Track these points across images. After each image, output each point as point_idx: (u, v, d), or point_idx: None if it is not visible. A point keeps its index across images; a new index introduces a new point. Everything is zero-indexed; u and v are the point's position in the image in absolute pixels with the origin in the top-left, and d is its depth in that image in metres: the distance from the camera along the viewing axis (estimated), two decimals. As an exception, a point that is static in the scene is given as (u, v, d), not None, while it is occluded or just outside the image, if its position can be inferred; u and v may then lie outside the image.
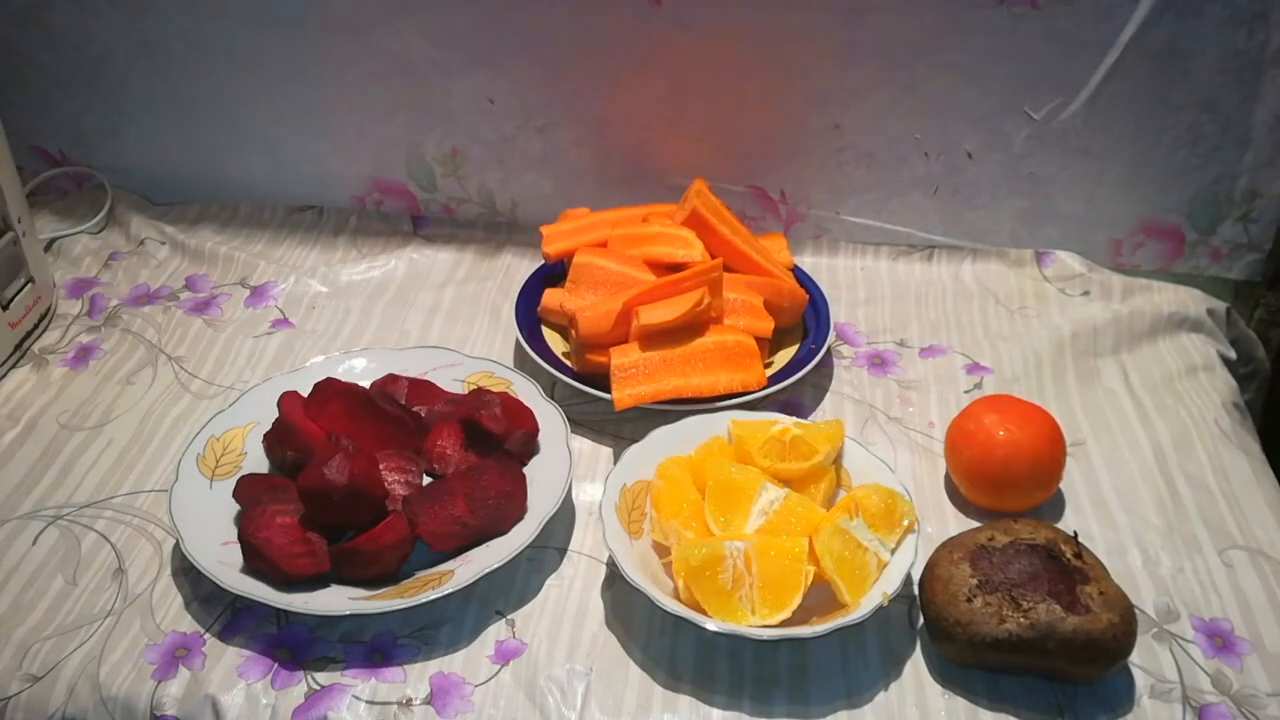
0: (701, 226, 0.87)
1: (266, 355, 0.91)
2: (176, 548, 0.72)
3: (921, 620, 0.67)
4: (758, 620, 0.63)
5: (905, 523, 0.67)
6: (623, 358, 0.79)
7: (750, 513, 0.67)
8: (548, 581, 0.71)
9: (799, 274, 0.93)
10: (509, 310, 0.92)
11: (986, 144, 0.96)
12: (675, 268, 0.85)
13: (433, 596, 0.65)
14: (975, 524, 0.75)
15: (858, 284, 0.99)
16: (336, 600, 0.66)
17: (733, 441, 0.74)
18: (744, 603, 0.63)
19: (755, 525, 0.67)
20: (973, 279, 1.00)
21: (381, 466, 0.72)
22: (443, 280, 1.00)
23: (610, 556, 0.70)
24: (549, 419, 0.77)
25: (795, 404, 0.85)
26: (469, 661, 0.66)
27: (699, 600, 0.64)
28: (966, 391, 0.87)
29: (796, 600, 0.63)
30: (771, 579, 0.63)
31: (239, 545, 0.69)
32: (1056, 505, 0.77)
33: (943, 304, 0.97)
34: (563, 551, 0.73)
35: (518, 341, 0.87)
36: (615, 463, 0.79)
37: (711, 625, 0.62)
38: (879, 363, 0.90)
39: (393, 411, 0.76)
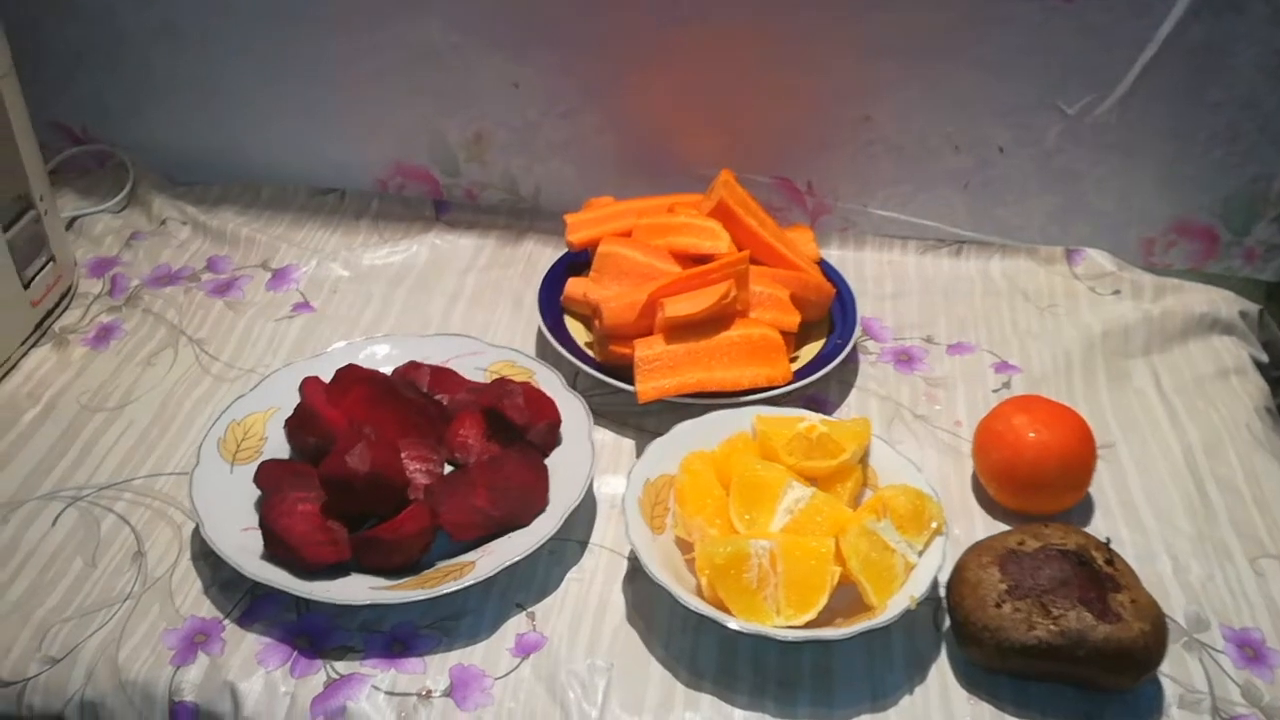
0: (728, 218, 0.85)
1: (288, 339, 0.90)
2: (196, 532, 0.71)
3: (948, 623, 0.66)
4: (782, 620, 0.62)
5: (933, 525, 0.66)
6: (647, 350, 0.78)
7: (775, 510, 0.66)
8: (568, 575, 0.71)
9: (825, 267, 0.92)
10: (531, 298, 0.91)
11: (1018, 139, 0.95)
12: (701, 259, 0.84)
13: (454, 588, 0.64)
14: (1002, 526, 0.74)
15: (885, 278, 0.98)
16: (357, 589, 0.65)
17: (757, 438, 0.73)
18: (769, 602, 0.62)
19: (780, 524, 0.66)
20: (1002, 276, 0.98)
21: (403, 455, 0.71)
22: (465, 266, 0.99)
23: (632, 551, 0.69)
24: (571, 410, 0.76)
25: (820, 399, 0.84)
26: (489, 654, 0.66)
27: (723, 599, 0.63)
28: (995, 390, 0.86)
29: (822, 601, 0.62)
30: (797, 579, 0.62)
31: (259, 531, 0.68)
32: (1085, 508, 0.76)
33: (971, 300, 0.96)
34: (584, 544, 0.73)
35: (540, 330, 0.86)
36: (637, 455, 0.79)
37: (735, 625, 0.61)
38: (905, 359, 0.89)
39: (414, 399, 0.75)
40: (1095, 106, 0.91)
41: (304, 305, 0.94)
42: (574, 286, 0.87)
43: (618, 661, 0.65)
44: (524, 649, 0.66)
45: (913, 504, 0.66)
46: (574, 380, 0.82)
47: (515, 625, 0.67)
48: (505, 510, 0.69)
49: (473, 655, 0.65)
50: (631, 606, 0.69)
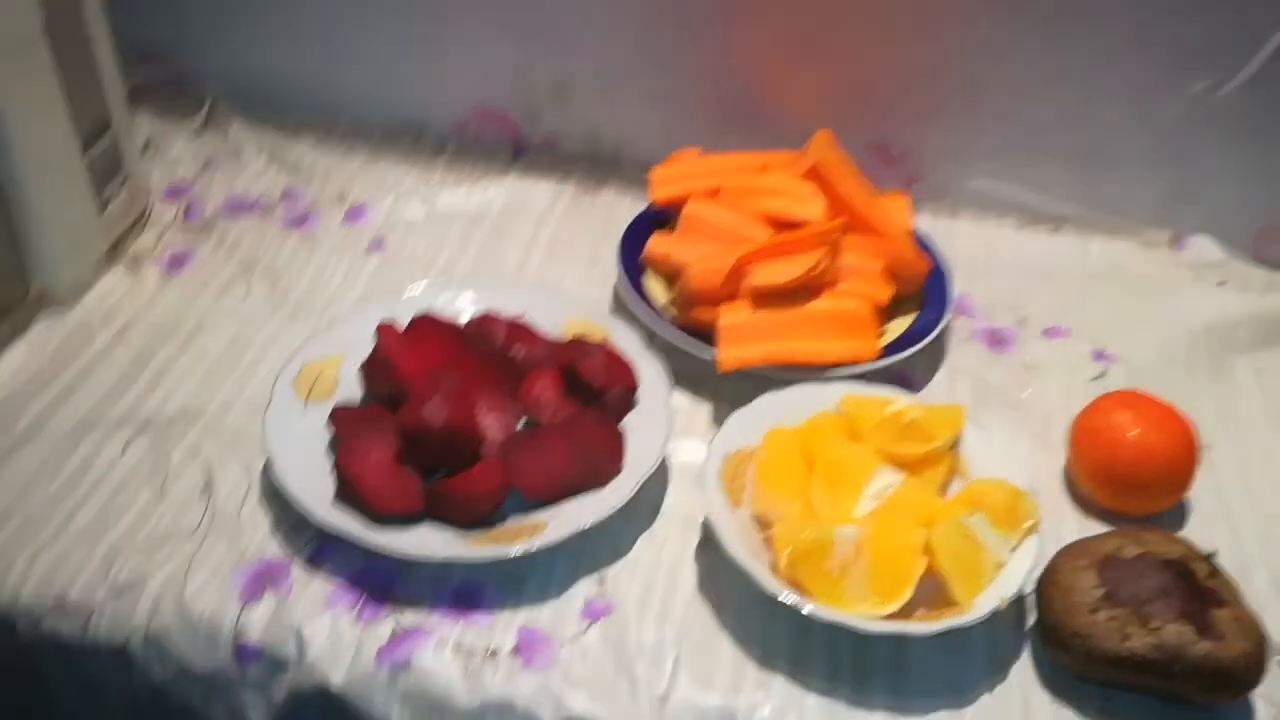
0: (823, 182, 0.82)
1: (361, 279, 0.89)
2: (265, 470, 0.70)
3: (1031, 622, 0.64)
4: (864, 610, 0.60)
5: (1028, 523, 0.63)
6: (732, 317, 0.75)
7: (861, 495, 0.64)
8: (639, 541, 0.69)
9: (919, 240, 0.88)
10: (609, 252, 0.88)
11: (1134, 116, 0.90)
12: (792, 225, 0.80)
13: (525, 550, 0.63)
14: (1092, 523, 0.71)
15: (978, 253, 0.94)
16: (427, 542, 0.64)
17: (845, 417, 0.70)
18: (851, 591, 0.60)
19: (865, 509, 0.64)
20: (1102, 257, 0.94)
21: (478, 409, 0.69)
22: (541, 214, 0.96)
23: (707, 522, 0.67)
24: (649, 374, 0.74)
25: (906, 377, 0.81)
26: (557, 616, 0.64)
27: (802, 582, 0.61)
28: (1091, 380, 0.82)
29: (906, 594, 0.60)
30: (882, 569, 0.60)
31: (331, 475, 0.67)
32: (1178, 512, 0.72)
33: (1068, 282, 0.91)
34: (656, 510, 0.71)
35: (616, 287, 0.84)
36: (712, 422, 0.77)
37: (815, 611, 0.59)
38: (998, 340, 0.85)
39: (490, 353, 0.73)
40: (1220, 87, 0.86)
41: (378, 244, 0.92)
42: (656, 245, 0.84)
43: (688, 636, 0.63)
44: (593, 614, 0.64)
45: (1008, 500, 0.63)
46: (650, 341, 0.80)
47: (584, 589, 0.66)
48: (579, 472, 0.67)
49: (540, 616, 0.64)
50: (703, 579, 0.67)
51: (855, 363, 0.75)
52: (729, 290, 0.77)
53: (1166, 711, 0.61)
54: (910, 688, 0.61)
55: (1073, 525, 0.71)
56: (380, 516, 0.64)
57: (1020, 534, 0.63)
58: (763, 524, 0.67)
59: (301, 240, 0.92)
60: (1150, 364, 0.84)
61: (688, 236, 0.81)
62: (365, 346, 0.74)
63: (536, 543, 0.63)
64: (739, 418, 0.70)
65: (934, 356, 0.83)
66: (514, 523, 0.66)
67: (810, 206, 0.80)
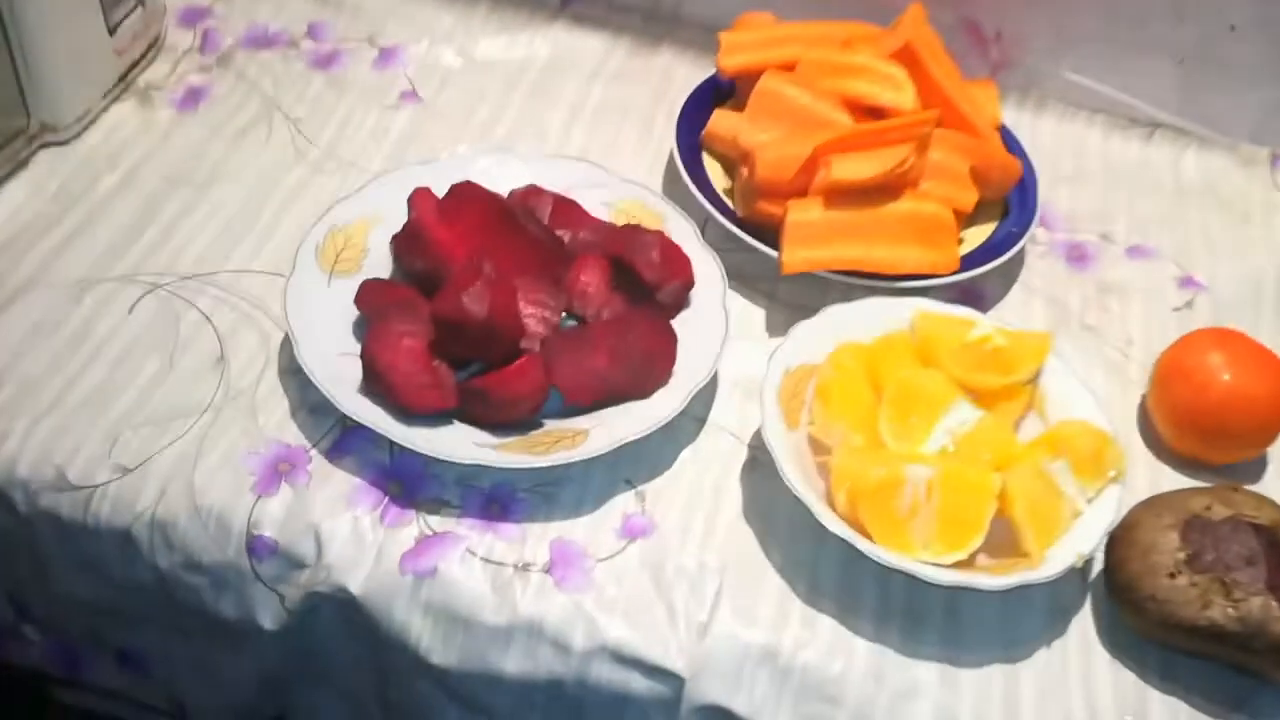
0: (914, 65, 0.73)
1: (392, 133, 0.81)
2: (285, 344, 0.65)
3: (1096, 572, 0.60)
4: (929, 556, 0.55)
5: (1111, 473, 0.58)
6: (802, 213, 0.68)
7: (933, 430, 0.59)
8: (682, 455, 0.64)
9: (1006, 137, 0.80)
10: (664, 123, 0.81)
11: (1257, 17, 0.80)
12: (878, 112, 0.72)
13: (563, 461, 0.58)
14: (1166, 468, 0.66)
15: (1063, 156, 0.86)
16: (459, 444, 0.59)
17: (919, 338, 0.64)
18: (916, 535, 0.55)
19: (937, 445, 0.58)
20: (1195, 172, 0.86)
21: (519, 298, 0.63)
22: (590, 73, 0.88)
23: (755, 440, 0.62)
24: (705, 270, 0.68)
25: (976, 291, 0.74)
26: (593, 531, 0.60)
27: (863, 521, 0.56)
28: (1175, 310, 0.76)
29: (976, 542, 0.55)
30: (952, 513, 0.55)
31: (356, 359, 0.61)
32: (1257, 465, 0.67)
33: (1158, 197, 0.84)
34: (701, 422, 0.65)
35: (671, 165, 0.76)
36: (766, 328, 0.71)
37: (880, 555, 0.54)
38: (1078, 256, 0.79)
39: (535, 233, 0.66)
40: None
41: (411, 94, 0.84)
42: (721, 122, 0.76)
43: (731, 563, 0.59)
44: (631, 532, 0.60)
45: (1093, 446, 0.58)
46: (703, 228, 0.73)
47: (622, 504, 0.61)
48: (626, 378, 0.62)
49: (575, 530, 0.60)
50: (749, 502, 0.62)
51: (932, 275, 0.69)
52: (802, 182, 0.69)
53: (1231, 680, 0.57)
54: (964, 637, 0.58)
55: (1143, 469, 0.66)
56: (411, 410, 0.59)
57: (1102, 484, 0.58)
58: (818, 448, 0.62)
59: (328, 83, 0.84)
60: (1240, 297, 0.77)
61: (759, 117, 0.72)
62: (397, 214, 0.67)
63: (576, 455, 0.58)
64: (803, 331, 0.64)
65: (1008, 270, 0.76)
66: (552, 427, 0.61)
67: (900, 94, 0.71)
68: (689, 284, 0.66)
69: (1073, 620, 0.59)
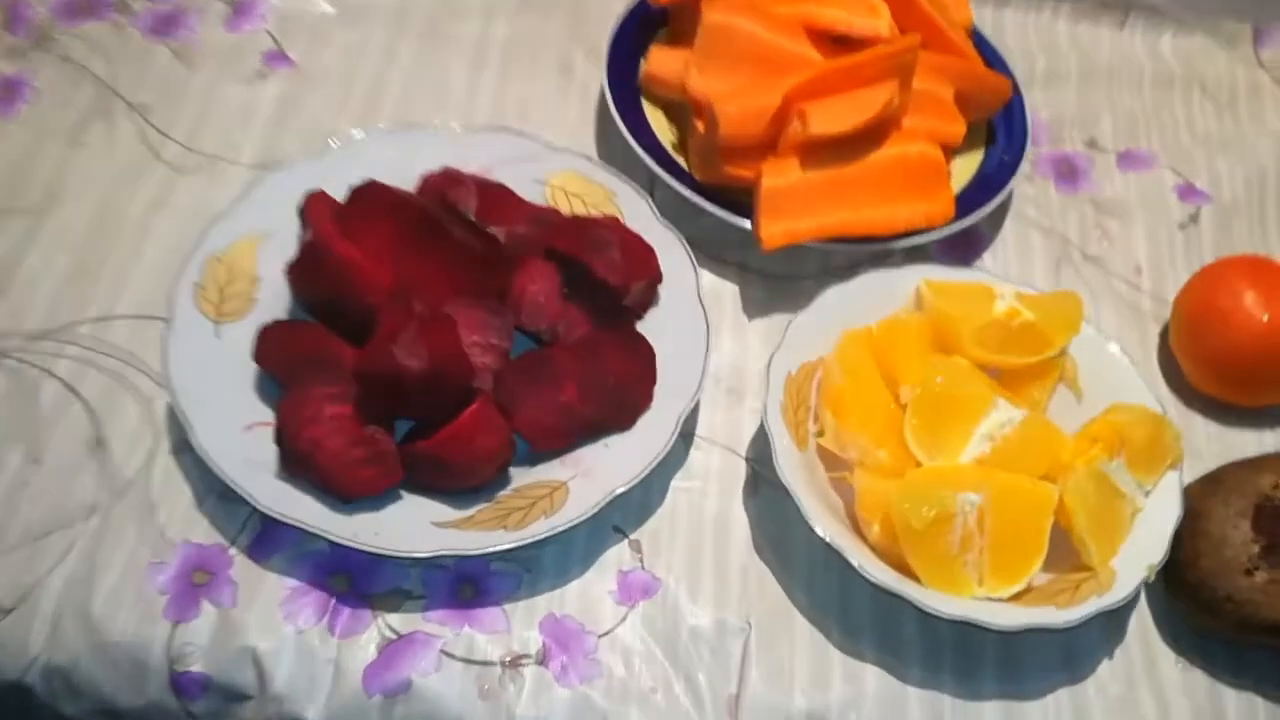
0: (879, -24, 0.62)
1: (262, 109, 0.67)
2: (171, 409, 0.53)
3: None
4: (985, 592, 0.48)
5: (1168, 460, 0.51)
6: (778, 178, 0.58)
7: (971, 436, 0.50)
8: (674, 483, 0.55)
9: (979, 43, 0.69)
10: (585, 62, 0.69)
11: None
12: (842, 40, 0.61)
13: (546, 533, 0.48)
14: (1198, 415, 0.60)
15: (1034, 53, 0.76)
16: (415, 528, 0.48)
17: (931, 315, 0.55)
18: (970, 570, 0.47)
19: (975, 453, 0.50)
20: (1174, 58, 0.78)
21: (462, 329, 0.51)
22: (488, 6, 0.74)
23: (757, 452, 0.54)
24: (670, 255, 0.57)
25: (972, 234, 0.65)
26: (586, 599, 0.51)
27: (908, 560, 0.48)
28: (1181, 226, 0.68)
29: (1035, 567, 0.48)
30: (1008, 539, 0.48)
31: (270, 431, 0.50)
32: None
33: (1139, 90, 0.75)
34: (688, 438, 0.56)
35: (603, 117, 0.65)
36: (742, 305, 0.61)
37: (934, 606, 0.46)
38: (1068, 172, 0.70)
39: (463, 237, 0.54)
40: None
41: (278, 56, 0.70)
42: (662, 63, 0.64)
43: (753, 614, 0.51)
44: (630, 594, 0.51)
45: (1149, 434, 0.51)
46: (650, 191, 0.62)
47: (616, 558, 0.52)
48: (601, 410, 0.52)
49: (565, 601, 0.51)
50: (758, 531, 0.54)
51: (928, 228, 0.60)
52: (770, 136, 0.59)
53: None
54: (1022, 660, 0.51)
55: (1170, 414, 0.59)
56: (348, 496, 0.48)
57: (1159, 474, 0.51)
58: (830, 462, 0.53)
59: (174, 56, 0.69)
60: (1245, 201, 0.70)
61: (709, 57, 0.60)
62: (288, 226, 0.55)
63: (559, 522, 0.48)
64: (800, 327, 0.54)
65: (999, 204, 0.67)
66: (522, 484, 0.51)
67: (876, 20, 0.60)
68: (656, 280, 0.56)
69: (1130, 620, 0.53)
